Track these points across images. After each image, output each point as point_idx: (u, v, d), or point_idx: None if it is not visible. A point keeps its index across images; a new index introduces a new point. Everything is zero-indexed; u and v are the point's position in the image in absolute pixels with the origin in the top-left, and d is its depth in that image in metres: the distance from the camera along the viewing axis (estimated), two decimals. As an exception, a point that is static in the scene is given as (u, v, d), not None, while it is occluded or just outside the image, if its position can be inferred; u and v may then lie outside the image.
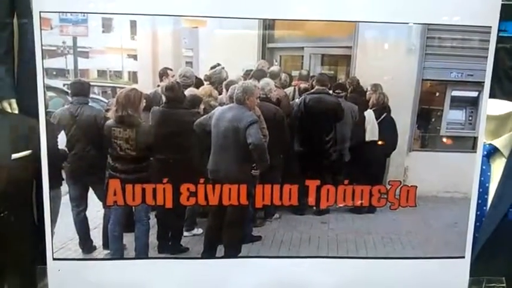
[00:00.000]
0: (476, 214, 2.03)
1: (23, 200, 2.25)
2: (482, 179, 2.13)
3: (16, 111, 2.71)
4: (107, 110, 1.88)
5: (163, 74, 1.90)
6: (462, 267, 2.04)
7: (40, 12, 1.74)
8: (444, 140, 2.01)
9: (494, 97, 2.18)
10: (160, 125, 1.92)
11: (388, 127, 1.96)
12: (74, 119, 1.87)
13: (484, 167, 2.17)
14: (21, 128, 2.26)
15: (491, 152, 2.24)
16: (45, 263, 1.93)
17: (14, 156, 2.15)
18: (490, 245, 2.15)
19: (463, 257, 2.03)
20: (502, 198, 2.17)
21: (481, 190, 2.10)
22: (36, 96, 1.83)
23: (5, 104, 2.72)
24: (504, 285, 2.08)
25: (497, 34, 1.88)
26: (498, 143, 2.23)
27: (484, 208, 2.19)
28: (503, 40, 3.01)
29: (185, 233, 1.99)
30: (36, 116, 1.83)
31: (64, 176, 1.91)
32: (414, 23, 1.89)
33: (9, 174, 2.15)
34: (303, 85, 1.97)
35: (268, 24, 1.85)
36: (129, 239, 1.97)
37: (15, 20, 2.83)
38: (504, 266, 2.12)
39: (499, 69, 3.06)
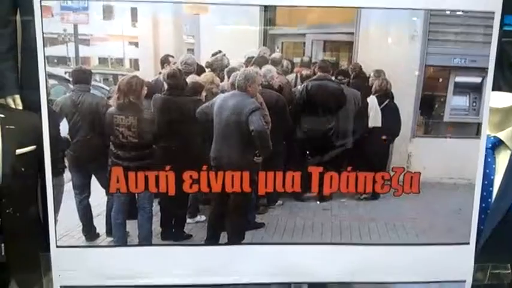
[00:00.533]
0: (481, 206, 2.04)
1: (28, 196, 2.25)
2: (487, 171, 2.13)
3: (20, 107, 2.72)
4: (109, 98, 1.87)
5: (165, 61, 1.89)
6: (467, 254, 2.03)
7: (41, 0, 1.73)
8: (448, 126, 1.99)
9: (499, 90, 2.18)
10: (162, 113, 1.92)
11: (391, 113, 1.94)
12: (75, 106, 1.88)
13: (489, 160, 2.17)
14: (25, 123, 2.26)
15: (496, 145, 2.24)
16: (48, 251, 1.91)
17: (19, 151, 2.15)
18: (495, 237, 2.15)
19: (468, 243, 2.01)
20: (507, 190, 2.17)
21: (486, 182, 2.10)
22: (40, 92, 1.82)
23: (9, 100, 2.73)
24: (509, 271, 2.07)
25: (501, 21, 1.86)
26: (503, 135, 2.23)
27: (489, 200, 2.19)
28: (508, 34, 3.00)
29: (188, 220, 1.98)
30: (39, 110, 1.82)
31: (67, 163, 1.89)
32: (417, 9, 1.85)
33: (13, 170, 2.14)
34: (305, 72, 1.96)
35: (270, 11, 1.84)
36: (132, 226, 1.95)
37: (18, 17, 2.84)
38: (509, 258, 2.13)
39: (503, 62, 3.04)
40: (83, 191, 1.95)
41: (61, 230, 1.94)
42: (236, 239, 2.00)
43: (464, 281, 2.08)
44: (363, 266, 2.03)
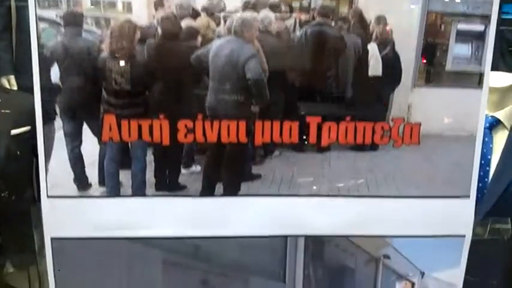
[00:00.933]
0: (478, 186, 2.00)
1: (23, 179, 2.21)
2: (484, 150, 2.11)
3: (15, 88, 2.69)
4: (101, 42, 1.80)
5: (159, 4, 1.82)
6: (467, 207, 1.99)
7: None
8: (449, 75, 1.94)
9: (497, 70, 2.16)
10: (156, 59, 1.86)
11: (391, 61, 1.88)
12: (66, 51, 1.81)
13: (486, 139, 2.15)
14: (20, 105, 2.23)
15: (494, 124, 2.25)
16: (39, 201, 1.86)
17: (14, 132, 2.09)
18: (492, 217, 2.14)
19: (468, 197, 1.97)
20: (504, 170, 2.16)
21: (483, 162, 2.09)
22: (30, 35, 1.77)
23: (4, 81, 2.71)
24: (510, 226, 2.04)
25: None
26: (501, 114, 2.25)
27: (486, 180, 2.19)
28: (506, 22, 2.98)
29: (183, 171, 1.92)
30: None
31: (58, 110, 1.83)
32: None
33: (8, 153, 2.09)
34: (304, 17, 1.88)
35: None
36: (125, 176, 1.90)
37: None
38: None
39: (502, 47, 3.02)
40: (74, 139, 1.89)
41: (52, 180, 1.87)
42: (232, 190, 1.96)
43: (464, 236, 2.02)
44: (361, 218, 1.99)
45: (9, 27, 2.94)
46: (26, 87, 2.46)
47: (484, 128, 1.99)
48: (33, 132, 1.88)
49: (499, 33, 1.90)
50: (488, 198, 2.20)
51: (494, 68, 1.93)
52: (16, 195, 2.25)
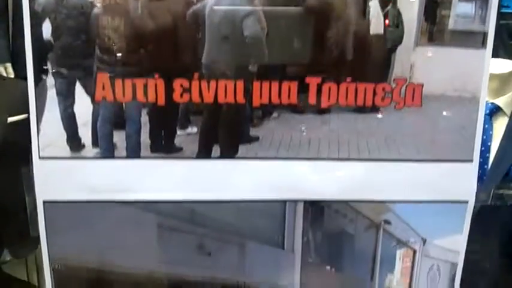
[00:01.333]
0: (478, 173, 1.96)
1: (20, 169, 2.15)
2: (484, 137, 2.07)
3: (12, 76, 2.63)
4: (94, -3, 1.75)
5: (154, -44, 1.76)
6: (470, 172, 1.93)
7: None
8: (452, 34, 1.89)
9: (498, 57, 2.14)
10: (151, 14, 1.79)
11: (393, 19, 1.82)
12: (59, 6, 1.75)
13: (486, 126, 2.12)
14: (17, 92, 2.16)
15: (494, 111, 2.23)
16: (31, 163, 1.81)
17: (10, 120, 2.08)
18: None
19: (471, 161, 1.92)
20: (504, 156, 2.14)
21: (482, 149, 2.05)
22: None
23: (0, 68, 2.64)
24: (514, 191, 1.99)
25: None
26: (501, 101, 2.23)
27: (486, 167, 2.18)
28: (507, 16, 2.96)
29: (179, 132, 1.86)
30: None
31: (50, 68, 1.77)
32: None
33: (5, 140, 2.09)
34: (303, -28, 1.83)
35: None
36: (120, 138, 1.84)
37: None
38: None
39: (505, 41, 3.11)
40: (67, 99, 1.84)
41: (44, 141, 1.81)
42: (229, 152, 1.90)
43: (467, 202, 1.97)
44: (361, 183, 1.93)
45: (4, 13, 2.88)
46: (23, 76, 2.41)
47: (484, 114, 1.94)
48: (29, 120, 1.83)
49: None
50: (487, 184, 2.16)
51: (494, 56, 1.90)
52: (14, 185, 2.19)
